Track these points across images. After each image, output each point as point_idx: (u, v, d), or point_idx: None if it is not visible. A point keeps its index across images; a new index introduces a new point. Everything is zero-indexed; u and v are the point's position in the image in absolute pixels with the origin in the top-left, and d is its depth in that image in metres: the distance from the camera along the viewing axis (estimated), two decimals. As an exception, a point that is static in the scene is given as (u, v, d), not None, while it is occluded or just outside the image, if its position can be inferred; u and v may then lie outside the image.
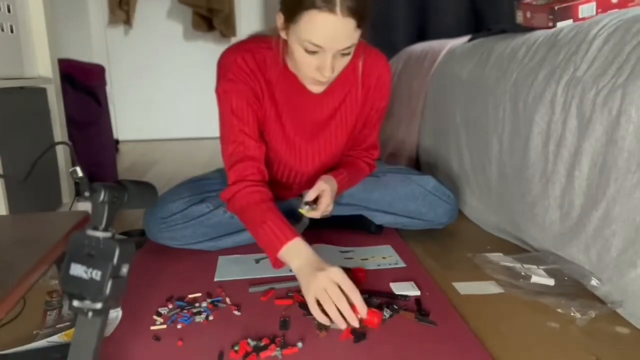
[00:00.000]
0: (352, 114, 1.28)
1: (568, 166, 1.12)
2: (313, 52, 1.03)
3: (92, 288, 0.56)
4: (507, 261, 1.20)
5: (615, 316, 0.96)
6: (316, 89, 1.21)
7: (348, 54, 1.05)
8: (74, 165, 0.65)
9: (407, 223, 1.44)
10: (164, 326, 0.95)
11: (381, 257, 1.30)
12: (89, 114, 1.97)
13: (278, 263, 1.03)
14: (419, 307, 1.02)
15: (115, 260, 0.56)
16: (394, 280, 1.14)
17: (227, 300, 1.06)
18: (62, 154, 1.58)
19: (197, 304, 1.03)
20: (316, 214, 1.21)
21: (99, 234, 0.57)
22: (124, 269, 0.57)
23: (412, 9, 2.86)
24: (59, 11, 3.25)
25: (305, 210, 1.19)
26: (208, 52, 3.69)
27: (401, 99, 2.28)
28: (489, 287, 1.12)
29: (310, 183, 1.27)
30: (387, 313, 0.97)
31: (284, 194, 1.36)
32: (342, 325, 0.90)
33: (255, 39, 1.20)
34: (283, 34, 1.08)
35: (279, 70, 1.18)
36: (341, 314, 0.90)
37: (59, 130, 1.58)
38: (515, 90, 1.33)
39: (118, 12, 3.55)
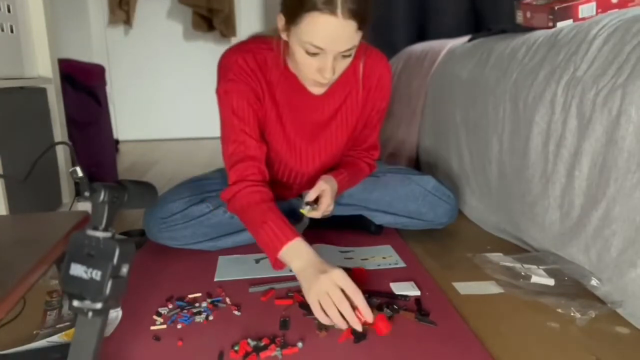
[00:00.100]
0: (353, 115, 1.28)
1: (568, 166, 1.12)
2: (314, 54, 1.03)
3: (92, 288, 0.56)
4: (507, 261, 1.20)
5: (615, 316, 0.97)
6: (317, 90, 1.21)
7: (349, 55, 1.05)
8: (74, 165, 0.65)
9: (407, 223, 1.44)
10: (164, 326, 0.95)
11: (381, 257, 1.30)
12: (89, 114, 1.97)
13: (278, 264, 1.02)
14: (419, 307, 1.02)
15: (115, 260, 0.56)
16: (394, 280, 1.14)
17: (227, 300, 1.06)
18: (62, 154, 1.58)
19: (197, 304, 1.03)
20: (317, 214, 1.21)
21: (99, 234, 0.57)
22: (124, 269, 0.57)
23: (412, 9, 2.86)
24: (59, 11, 3.25)
25: (306, 211, 1.19)
26: (208, 52, 3.69)
27: (401, 99, 2.28)
28: (489, 287, 1.12)
29: (310, 183, 1.27)
30: (387, 313, 0.97)
31: (284, 194, 1.36)
32: (345, 327, 0.90)
33: (255, 40, 1.20)
34: (284, 35, 1.08)
35: (279, 71, 1.18)
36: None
37: (59, 130, 1.58)
38: (515, 90, 1.33)
39: (118, 12, 3.55)
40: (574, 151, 1.10)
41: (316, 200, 1.22)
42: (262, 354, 0.85)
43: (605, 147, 1.01)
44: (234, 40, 3.60)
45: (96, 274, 0.56)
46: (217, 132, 1.19)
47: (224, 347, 0.87)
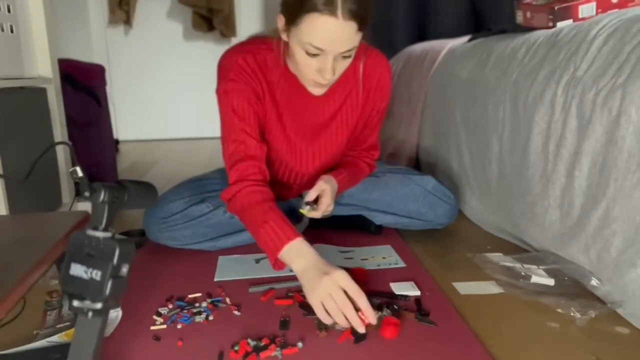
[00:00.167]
0: (353, 116, 1.28)
1: (568, 166, 1.12)
2: (314, 55, 1.03)
3: (92, 288, 0.56)
4: (507, 261, 1.20)
5: (615, 316, 0.97)
6: (317, 91, 1.21)
7: (349, 56, 1.05)
8: (74, 165, 0.64)
9: (407, 223, 1.44)
10: (164, 326, 0.95)
11: (381, 257, 1.30)
12: (89, 114, 1.97)
13: (279, 264, 1.01)
14: (419, 307, 1.02)
15: (115, 260, 0.56)
16: (394, 280, 1.14)
17: (227, 300, 1.06)
18: (62, 154, 1.58)
19: (197, 304, 1.03)
20: (317, 214, 1.21)
21: (99, 234, 0.57)
22: (124, 269, 0.57)
23: (412, 9, 2.86)
24: (59, 11, 3.25)
25: (306, 211, 1.19)
26: (208, 52, 3.69)
27: (401, 99, 2.28)
28: (489, 287, 1.12)
29: (310, 183, 1.27)
30: (387, 313, 0.97)
31: (284, 194, 1.36)
32: (347, 326, 0.90)
33: (255, 40, 1.20)
34: (284, 36, 1.08)
35: (279, 72, 1.18)
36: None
37: (59, 130, 1.57)
38: (515, 90, 1.33)
39: (118, 12, 3.55)
40: (574, 151, 1.10)
41: (316, 200, 1.22)
42: (262, 354, 0.85)
43: (605, 147, 1.01)
44: (234, 40, 3.60)
45: (96, 274, 0.56)
46: (217, 132, 1.19)
47: (224, 347, 0.87)
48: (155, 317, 0.98)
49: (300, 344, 0.88)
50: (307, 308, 0.97)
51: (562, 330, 0.93)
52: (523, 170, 1.29)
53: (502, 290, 1.10)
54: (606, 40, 1.07)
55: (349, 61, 1.07)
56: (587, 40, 1.12)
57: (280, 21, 1.06)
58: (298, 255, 0.98)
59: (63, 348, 0.86)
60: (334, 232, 1.45)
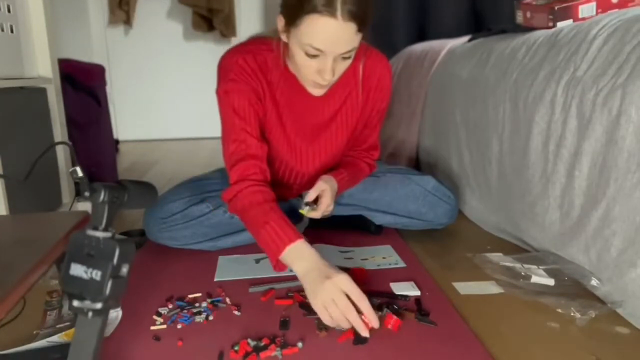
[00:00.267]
0: (353, 116, 1.28)
1: (568, 166, 1.12)
2: (313, 56, 1.03)
3: (92, 288, 0.56)
4: (507, 261, 1.20)
5: (615, 316, 0.97)
6: (317, 92, 1.21)
7: (349, 57, 1.05)
8: (74, 165, 0.65)
9: (407, 223, 1.44)
10: (164, 326, 0.95)
11: (381, 257, 1.30)
12: (89, 114, 1.97)
13: (280, 265, 1.01)
14: (419, 307, 1.02)
15: (115, 260, 0.56)
16: (394, 280, 1.14)
17: (227, 300, 1.06)
18: (62, 154, 1.58)
19: (197, 304, 1.03)
20: (316, 214, 1.21)
21: (99, 234, 0.57)
22: (124, 269, 0.57)
23: (412, 9, 2.86)
24: (59, 11, 3.25)
25: (305, 211, 1.19)
26: (208, 52, 3.69)
27: (401, 99, 2.28)
28: (489, 287, 1.12)
29: (310, 183, 1.27)
30: (387, 313, 0.97)
31: (284, 194, 1.36)
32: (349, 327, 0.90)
33: (255, 41, 1.20)
34: (284, 37, 1.08)
35: (279, 72, 1.18)
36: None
37: (59, 130, 1.57)
38: (515, 90, 1.33)
39: (118, 12, 3.55)
40: (574, 151, 1.10)
41: (316, 201, 1.22)
42: (262, 354, 0.85)
43: (605, 147, 1.01)
44: (234, 40, 3.60)
45: (96, 274, 0.56)
46: (217, 132, 1.19)
47: (224, 347, 0.87)
48: (155, 317, 0.98)
49: (300, 344, 0.88)
50: (307, 308, 0.97)
51: (562, 330, 0.93)
52: (523, 170, 1.29)
53: (502, 290, 1.10)
54: (606, 40, 1.07)
55: (348, 62, 1.07)
56: (587, 40, 1.12)
57: (280, 22, 1.06)
58: (299, 257, 0.97)
59: (63, 348, 0.86)
60: (334, 232, 1.45)
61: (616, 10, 1.26)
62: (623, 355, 0.85)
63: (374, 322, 0.88)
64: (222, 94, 1.15)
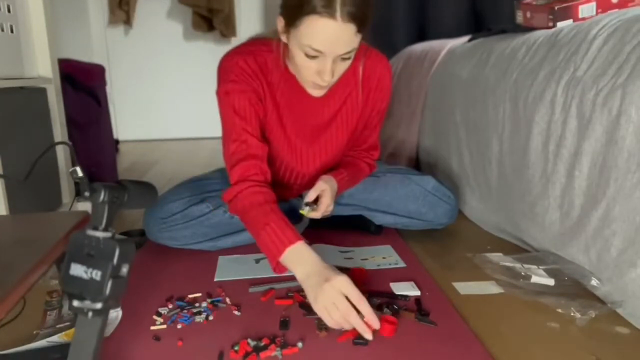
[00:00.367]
0: (353, 117, 1.28)
1: (568, 166, 1.12)
2: (313, 57, 1.03)
3: (92, 288, 0.56)
4: (507, 261, 1.20)
5: (615, 316, 0.97)
6: (316, 92, 1.21)
7: (348, 58, 1.05)
8: (74, 165, 0.65)
9: (407, 223, 1.44)
10: (164, 326, 0.95)
11: (381, 257, 1.30)
12: (89, 114, 1.97)
13: (279, 267, 1.00)
14: (419, 307, 1.02)
15: (115, 260, 0.56)
16: (394, 280, 1.14)
17: (227, 300, 1.06)
18: (62, 154, 1.58)
19: (197, 304, 1.03)
20: (317, 215, 1.21)
21: (99, 234, 0.57)
22: (124, 269, 0.57)
23: (412, 9, 2.86)
24: (59, 11, 3.25)
25: (305, 212, 1.19)
26: (208, 52, 3.69)
27: (401, 99, 2.28)
28: (489, 287, 1.12)
29: (311, 183, 1.27)
30: (387, 313, 0.97)
31: (284, 195, 1.36)
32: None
33: (255, 42, 1.20)
34: (284, 38, 1.08)
35: (280, 73, 1.18)
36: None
37: (59, 130, 1.57)
38: (515, 90, 1.33)
39: (118, 12, 3.55)
40: (574, 151, 1.10)
41: (316, 201, 1.22)
42: (262, 354, 0.85)
43: (605, 147, 1.01)
44: (234, 40, 3.61)
45: (96, 274, 0.56)
46: (217, 132, 1.19)
47: (224, 347, 0.87)
48: (155, 317, 0.98)
49: (300, 344, 0.88)
50: (307, 308, 0.97)
51: (562, 330, 0.93)
52: (523, 170, 1.29)
53: (502, 290, 1.10)
54: (606, 40, 1.07)
55: (348, 63, 1.07)
56: (587, 40, 1.12)
57: (280, 23, 1.06)
58: (299, 260, 0.97)
59: (63, 348, 0.86)
60: (334, 232, 1.45)
61: (616, 10, 1.26)
62: (623, 355, 0.85)
63: (375, 324, 0.88)
64: (223, 94, 1.15)
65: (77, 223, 0.93)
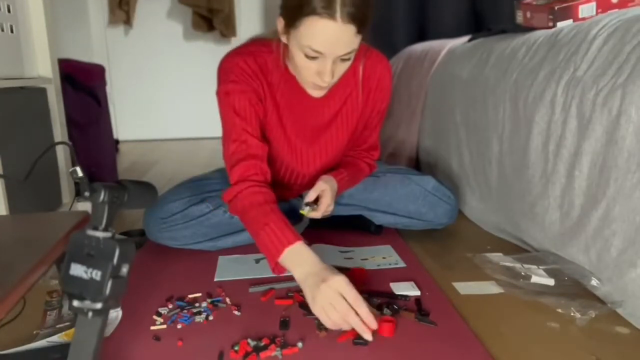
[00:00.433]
0: (353, 117, 1.28)
1: (568, 166, 1.12)
2: (313, 58, 1.03)
3: (92, 288, 0.56)
4: (507, 261, 1.20)
5: (615, 316, 0.97)
6: (316, 93, 1.21)
7: (348, 59, 1.05)
8: (74, 165, 0.65)
9: (407, 223, 1.44)
10: (164, 326, 0.95)
11: (381, 257, 1.30)
12: (89, 114, 1.97)
13: (278, 268, 1.00)
14: (419, 307, 1.02)
15: (115, 260, 0.56)
16: (394, 280, 1.14)
17: (227, 300, 1.06)
18: (62, 154, 1.58)
19: (197, 304, 1.03)
20: (316, 215, 1.21)
21: (99, 234, 0.57)
22: (124, 269, 0.57)
23: (412, 9, 2.86)
24: (59, 11, 3.25)
25: (305, 212, 1.19)
26: (208, 52, 3.69)
27: (401, 99, 2.28)
28: (489, 287, 1.12)
29: (311, 183, 1.27)
30: (387, 313, 0.97)
31: (284, 195, 1.36)
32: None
33: (255, 42, 1.20)
34: (284, 38, 1.08)
35: (280, 74, 1.18)
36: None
37: (59, 130, 1.57)
38: (515, 90, 1.33)
39: (118, 12, 3.55)
40: (574, 151, 1.10)
41: (316, 201, 1.22)
42: (262, 354, 0.85)
43: (605, 147, 1.01)
44: (234, 40, 3.60)
45: (96, 274, 0.56)
46: (217, 132, 1.19)
47: (224, 347, 0.87)
48: (155, 317, 0.98)
49: (300, 344, 0.88)
50: (307, 308, 0.97)
51: (562, 330, 0.93)
52: (523, 170, 1.29)
53: (502, 290, 1.10)
54: (606, 40, 1.07)
55: (348, 63, 1.07)
56: (587, 40, 1.12)
57: (280, 24, 1.06)
58: (298, 261, 0.96)
59: (63, 348, 0.86)
60: (334, 232, 1.45)
61: (616, 10, 1.26)
62: (623, 355, 0.85)
63: (372, 324, 0.87)
64: (223, 95, 1.15)
65: (77, 223, 0.93)
